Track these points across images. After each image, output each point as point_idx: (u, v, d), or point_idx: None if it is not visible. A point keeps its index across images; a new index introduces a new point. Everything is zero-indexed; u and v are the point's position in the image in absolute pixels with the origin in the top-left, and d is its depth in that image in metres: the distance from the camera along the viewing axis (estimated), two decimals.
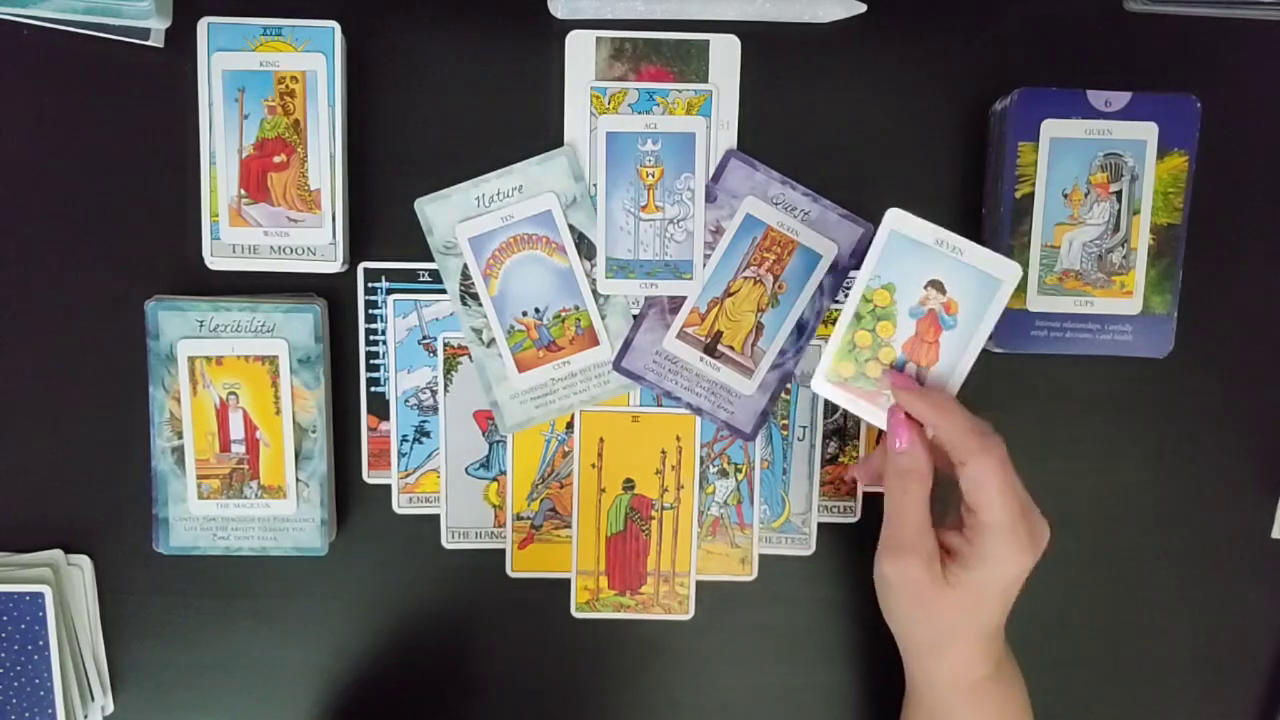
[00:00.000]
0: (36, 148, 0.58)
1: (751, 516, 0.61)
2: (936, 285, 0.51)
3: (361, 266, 0.59)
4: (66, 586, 0.60)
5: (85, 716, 0.61)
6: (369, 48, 0.58)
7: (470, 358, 0.59)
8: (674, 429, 0.61)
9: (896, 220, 0.51)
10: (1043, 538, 0.51)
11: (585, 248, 0.59)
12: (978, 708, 0.53)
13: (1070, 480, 0.62)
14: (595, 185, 0.59)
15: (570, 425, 0.61)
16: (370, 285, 0.60)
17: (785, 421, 0.61)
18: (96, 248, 0.59)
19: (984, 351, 0.59)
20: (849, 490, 0.61)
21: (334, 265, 0.57)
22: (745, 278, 0.59)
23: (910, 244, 0.51)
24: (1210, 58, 0.59)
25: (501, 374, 0.60)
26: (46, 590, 0.59)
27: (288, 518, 0.59)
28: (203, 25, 0.56)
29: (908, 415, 0.51)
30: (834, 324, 0.54)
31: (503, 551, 0.61)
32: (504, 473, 0.61)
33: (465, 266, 0.59)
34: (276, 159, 0.57)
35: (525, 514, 0.61)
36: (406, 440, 0.60)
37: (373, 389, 0.60)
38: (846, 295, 0.60)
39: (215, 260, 0.58)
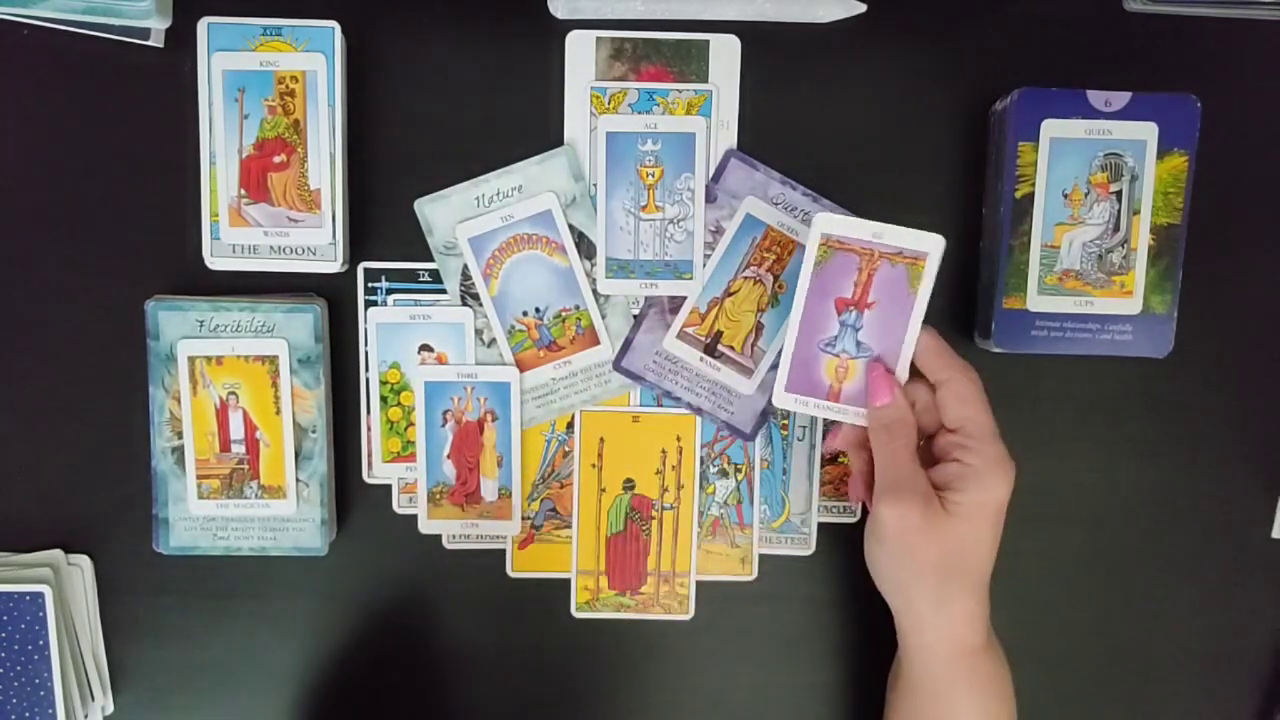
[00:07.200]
0: (36, 148, 0.58)
1: (751, 516, 0.61)
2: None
3: (361, 266, 0.59)
4: (66, 586, 0.60)
5: (85, 716, 0.61)
6: (369, 48, 0.58)
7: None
8: (674, 429, 0.61)
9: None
10: (1012, 459, 0.52)
11: (585, 248, 0.59)
12: (974, 682, 0.53)
13: (1070, 480, 0.62)
14: (595, 185, 0.59)
15: (571, 425, 0.61)
16: (370, 285, 0.60)
17: (785, 421, 0.61)
18: (96, 248, 0.59)
19: (984, 351, 0.59)
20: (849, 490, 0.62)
21: (334, 265, 0.57)
22: (745, 278, 0.59)
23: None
24: (1210, 58, 0.59)
25: None
26: (46, 590, 0.59)
27: (288, 518, 0.59)
28: (203, 25, 0.56)
29: (886, 370, 0.52)
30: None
31: (503, 551, 0.62)
32: None
33: (465, 266, 0.59)
34: (276, 159, 0.57)
35: (525, 514, 0.61)
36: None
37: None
38: None
39: (215, 260, 0.58)
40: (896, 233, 0.50)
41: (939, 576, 0.51)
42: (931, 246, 0.50)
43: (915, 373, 0.53)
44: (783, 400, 0.54)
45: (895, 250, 0.50)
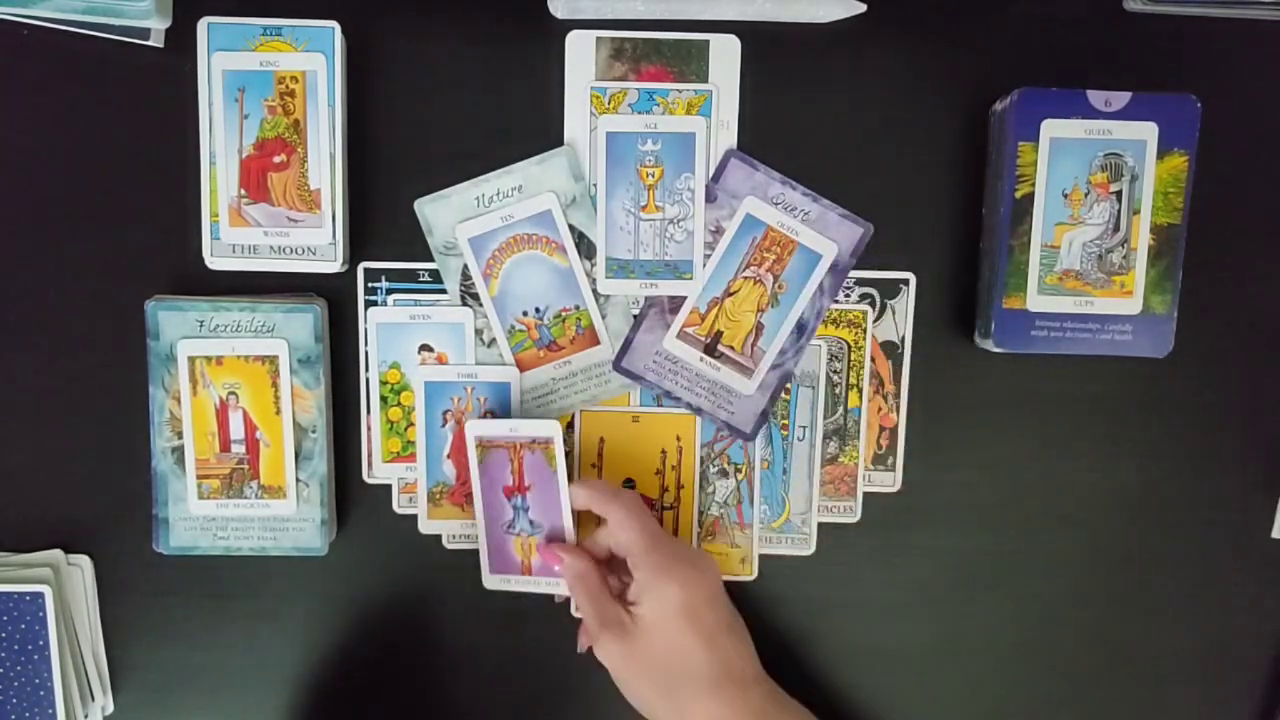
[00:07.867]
0: (36, 148, 0.58)
1: (751, 516, 0.61)
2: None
3: (361, 266, 0.59)
4: (66, 586, 0.60)
5: (85, 716, 0.61)
6: (369, 48, 0.58)
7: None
8: (674, 429, 0.61)
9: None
10: (694, 563, 0.55)
11: (585, 247, 0.59)
12: None
13: (1070, 480, 0.62)
14: (595, 185, 0.59)
15: (571, 425, 0.61)
16: (370, 285, 0.60)
17: (785, 421, 0.61)
18: (96, 248, 0.59)
19: (984, 351, 0.59)
20: (849, 490, 0.62)
21: (334, 265, 0.57)
22: (745, 278, 0.59)
23: None
24: (1210, 58, 0.59)
25: None
26: (46, 590, 0.59)
27: (288, 518, 0.59)
28: (203, 25, 0.56)
29: (548, 544, 0.58)
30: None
31: None
32: None
33: (465, 266, 0.59)
34: (276, 159, 0.57)
35: None
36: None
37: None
38: (847, 295, 0.60)
39: (215, 260, 0.58)
40: (524, 424, 0.57)
41: (662, 690, 0.54)
42: (552, 432, 0.56)
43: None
44: (491, 583, 0.60)
45: (529, 439, 0.57)
